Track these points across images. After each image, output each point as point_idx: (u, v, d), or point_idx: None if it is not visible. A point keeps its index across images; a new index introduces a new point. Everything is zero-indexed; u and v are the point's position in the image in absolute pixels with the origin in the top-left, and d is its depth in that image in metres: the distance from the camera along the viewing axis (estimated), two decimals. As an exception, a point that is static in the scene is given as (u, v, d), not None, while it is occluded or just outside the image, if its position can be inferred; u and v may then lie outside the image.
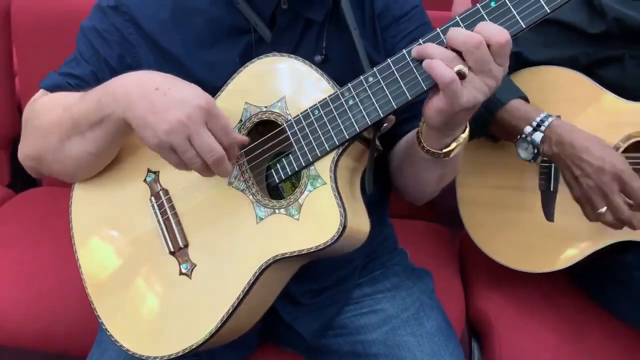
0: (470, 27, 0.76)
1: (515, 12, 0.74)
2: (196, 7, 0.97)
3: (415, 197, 1.06)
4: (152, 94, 0.82)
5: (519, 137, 1.14)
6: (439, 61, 0.75)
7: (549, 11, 0.73)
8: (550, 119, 1.12)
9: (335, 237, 0.83)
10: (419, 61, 0.79)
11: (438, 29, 0.78)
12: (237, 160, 0.90)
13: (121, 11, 0.98)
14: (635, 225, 1.07)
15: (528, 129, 1.12)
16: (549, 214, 1.20)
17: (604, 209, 1.08)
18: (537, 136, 1.11)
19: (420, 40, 0.79)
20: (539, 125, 1.12)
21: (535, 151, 1.13)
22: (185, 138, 0.81)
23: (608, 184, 1.07)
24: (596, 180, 1.07)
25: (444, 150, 0.85)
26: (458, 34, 0.75)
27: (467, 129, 0.86)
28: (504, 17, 0.75)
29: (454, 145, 0.85)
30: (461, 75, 0.74)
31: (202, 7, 0.97)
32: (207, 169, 0.84)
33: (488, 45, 0.73)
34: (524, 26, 0.74)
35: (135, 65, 0.98)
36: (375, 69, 0.82)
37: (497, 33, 0.73)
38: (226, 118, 0.84)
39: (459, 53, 0.75)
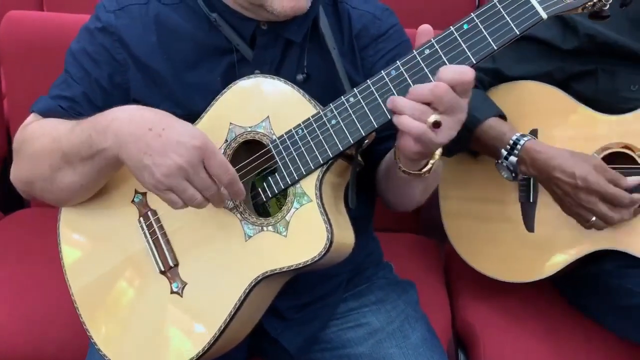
0: (445, 47, 0.80)
1: (486, 34, 0.77)
2: (180, 30, 1.00)
3: (402, 208, 1.09)
4: (146, 135, 0.83)
5: (497, 161, 1.18)
6: (406, 117, 0.79)
7: (518, 33, 0.77)
8: (523, 140, 1.16)
9: (323, 253, 0.86)
10: (398, 81, 0.82)
11: (415, 52, 0.81)
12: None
13: (109, 32, 1.00)
14: (628, 219, 1.13)
15: (504, 152, 1.17)
16: (529, 225, 1.24)
17: (593, 219, 1.12)
18: (513, 159, 1.16)
19: (398, 62, 0.82)
20: (512, 148, 1.16)
21: (514, 174, 1.17)
22: (184, 179, 0.82)
23: (586, 198, 1.11)
24: (575, 198, 1.12)
25: (423, 170, 0.89)
26: (423, 89, 0.78)
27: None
28: (475, 38, 0.78)
29: (430, 164, 0.89)
30: (437, 124, 0.78)
31: (185, 29, 1.00)
32: (204, 203, 0.85)
33: (453, 88, 0.77)
34: (495, 48, 0.77)
35: (125, 84, 1.00)
36: (356, 89, 0.85)
37: (459, 75, 0.77)
38: (222, 154, 0.86)
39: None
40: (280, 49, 0.99)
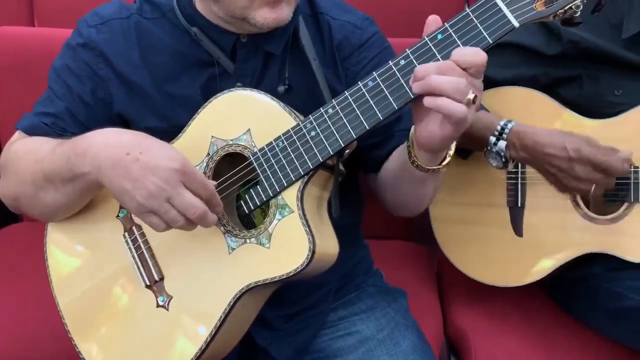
0: (419, 58, 0.80)
1: (459, 43, 0.78)
2: (161, 43, 1.01)
3: (413, 211, 1.08)
4: (124, 160, 0.83)
5: (486, 148, 1.18)
6: (445, 99, 0.76)
7: (491, 42, 0.78)
8: (510, 125, 1.16)
9: (306, 263, 0.86)
10: (375, 92, 0.83)
11: (390, 62, 0.82)
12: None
13: (90, 47, 1.01)
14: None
15: (492, 138, 1.16)
16: (517, 229, 1.24)
17: (592, 189, 1.12)
18: (502, 144, 1.15)
19: (375, 73, 0.83)
20: (500, 133, 1.16)
21: (504, 159, 1.17)
22: (165, 201, 0.83)
23: (582, 170, 1.11)
24: (571, 171, 1.12)
25: (443, 164, 0.88)
26: (467, 53, 0.76)
27: None
28: (449, 48, 0.79)
29: (448, 156, 0.88)
30: (473, 101, 0.77)
31: (166, 42, 1.01)
32: (190, 225, 0.85)
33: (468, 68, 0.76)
34: None
35: (108, 99, 1.01)
36: (334, 101, 0.86)
37: (474, 57, 0.76)
38: (201, 172, 0.87)
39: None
40: (261, 61, 1.00)
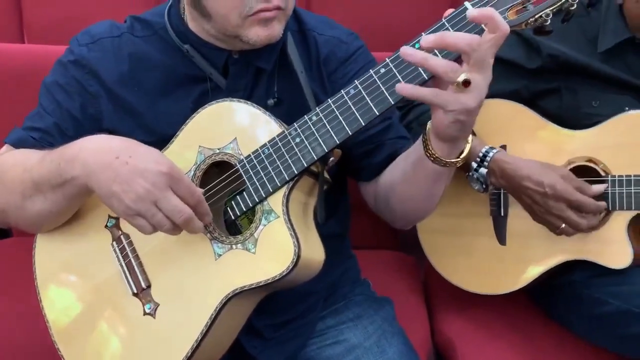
0: (399, 66, 0.83)
1: (437, 52, 0.81)
2: (152, 60, 1.03)
3: (420, 216, 1.07)
4: (114, 164, 0.85)
5: (468, 173, 1.21)
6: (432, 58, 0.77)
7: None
8: (492, 152, 1.19)
9: (291, 267, 0.88)
10: (357, 99, 0.86)
11: (371, 71, 0.85)
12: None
13: (81, 64, 1.03)
14: (595, 224, 1.17)
15: (474, 164, 1.20)
16: (501, 238, 1.26)
17: (563, 226, 1.16)
18: (483, 171, 1.19)
19: (356, 82, 0.86)
20: (482, 160, 1.19)
21: (484, 185, 1.21)
22: (152, 204, 0.84)
23: (555, 206, 1.15)
24: (544, 205, 1.16)
25: (462, 156, 0.88)
26: (456, 35, 0.77)
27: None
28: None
29: (467, 147, 0.88)
30: (466, 83, 0.77)
31: (158, 59, 1.03)
32: (175, 229, 0.87)
33: (492, 32, 0.76)
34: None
35: (97, 115, 1.03)
36: (318, 108, 0.89)
37: (503, 24, 0.75)
38: (188, 178, 0.89)
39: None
40: (251, 76, 1.03)
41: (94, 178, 0.87)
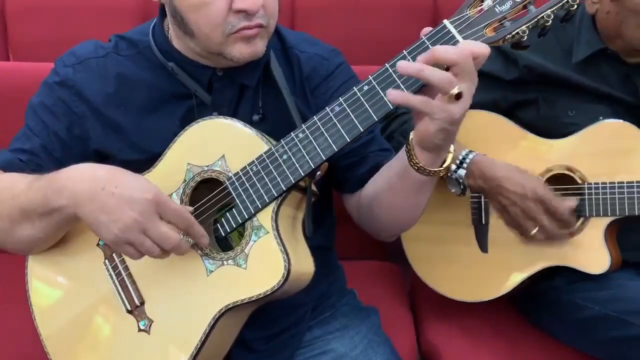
0: (381, 83, 0.86)
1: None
2: (138, 78, 1.05)
3: (404, 226, 1.10)
4: (100, 194, 0.87)
5: (447, 175, 1.24)
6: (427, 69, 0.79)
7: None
8: (471, 155, 1.22)
9: (282, 282, 0.90)
10: (342, 116, 0.88)
11: (355, 88, 0.88)
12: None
13: (67, 86, 1.05)
14: (563, 235, 1.20)
15: (453, 166, 1.22)
16: (482, 246, 1.30)
17: (535, 230, 1.19)
18: (461, 172, 1.22)
19: (341, 99, 0.89)
20: (462, 162, 1.22)
21: (462, 187, 1.23)
22: (141, 232, 0.87)
23: (532, 207, 1.18)
24: (521, 206, 1.19)
25: (444, 166, 0.91)
26: (448, 50, 0.80)
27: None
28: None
29: (449, 157, 0.91)
30: (459, 96, 0.81)
31: (143, 77, 1.05)
32: (165, 254, 0.90)
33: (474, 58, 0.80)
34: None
35: (84, 135, 1.04)
36: (304, 125, 0.91)
37: (480, 49, 0.80)
38: (175, 203, 0.91)
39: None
40: (236, 92, 1.05)
41: (81, 209, 0.89)
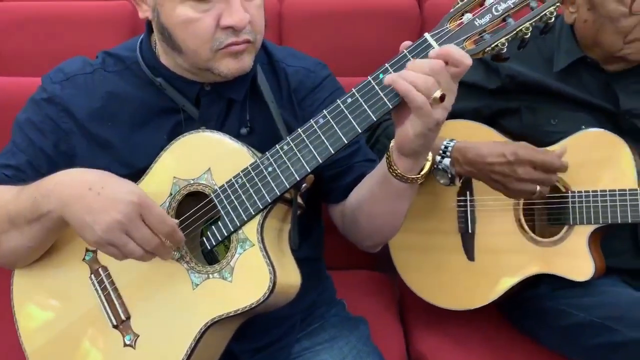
0: (364, 96, 0.88)
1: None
2: (126, 94, 1.06)
3: (387, 234, 1.11)
4: (87, 195, 0.89)
5: (433, 167, 1.23)
6: (411, 87, 0.83)
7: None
8: (452, 143, 1.23)
9: (267, 294, 0.90)
10: (326, 128, 0.89)
11: (339, 101, 0.89)
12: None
13: (55, 102, 1.05)
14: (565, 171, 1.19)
15: (437, 157, 1.23)
16: (469, 254, 1.31)
17: (538, 189, 1.18)
18: (447, 161, 1.22)
19: (325, 111, 0.90)
20: (444, 152, 1.23)
21: (450, 175, 1.23)
22: (123, 233, 0.88)
23: (523, 171, 1.17)
24: (513, 174, 1.18)
25: (422, 173, 0.94)
26: (422, 63, 0.83)
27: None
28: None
29: (427, 165, 0.94)
30: (442, 98, 0.83)
31: (131, 93, 1.06)
32: (147, 256, 0.91)
33: (454, 66, 0.83)
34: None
35: (70, 152, 1.05)
36: (289, 137, 0.92)
37: (461, 57, 0.83)
38: (160, 207, 0.91)
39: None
40: (224, 106, 1.06)
41: (68, 210, 0.90)
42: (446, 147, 1.23)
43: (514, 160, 1.17)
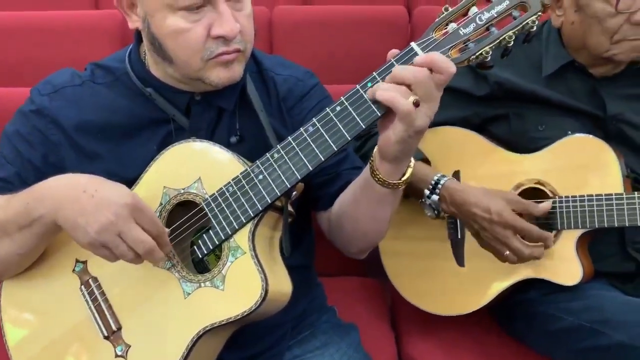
0: (353, 104, 0.89)
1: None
2: (116, 106, 1.06)
3: (372, 240, 1.12)
4: (80, 197, 0.89)
5: (421, 200, 1.27)
6: (396, 95, 0.84)
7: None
8: (443, 180, 1.25)
9: (259, 302, 0.91)
10: (316, 136, 0.90)
11: (328, 109, 0.90)
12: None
13: (43, 114, 1.05)
14: (537, 256, 1.21)
15: (426, 191, 1.25)
16: (459, 260, 1.31)
17: (507, 253, 1.21)
18: (435, 198, 1.24)
19: (314, 119, 0.91)
20: (434, 187, 1.24)
21: (437, 211, 1.26)
22: (116, 234, 0.88)
23: (501, 232, 1.20)
24: (491, 231, 1.21)
25: (403, 179, 0.95)
26: (404, 70, 0.85)
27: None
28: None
29: (409, 171, 0.95)
30: (416, 104, 0.85)
31: (121, 104, 1.06)
32: (138, 259, 0.91)
33: (438, 73, 0.84)
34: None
35: (59, 163, 1.04)
36: (279, 145, 0.93)
37: (444, 64, 0.84)
38: (152, 210, 0.92)
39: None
40: (214, 115, 1.06)
41: (61, 212, 0.90)
42: (436, 183, 1.24)
43: (497, 220, 1.20)
